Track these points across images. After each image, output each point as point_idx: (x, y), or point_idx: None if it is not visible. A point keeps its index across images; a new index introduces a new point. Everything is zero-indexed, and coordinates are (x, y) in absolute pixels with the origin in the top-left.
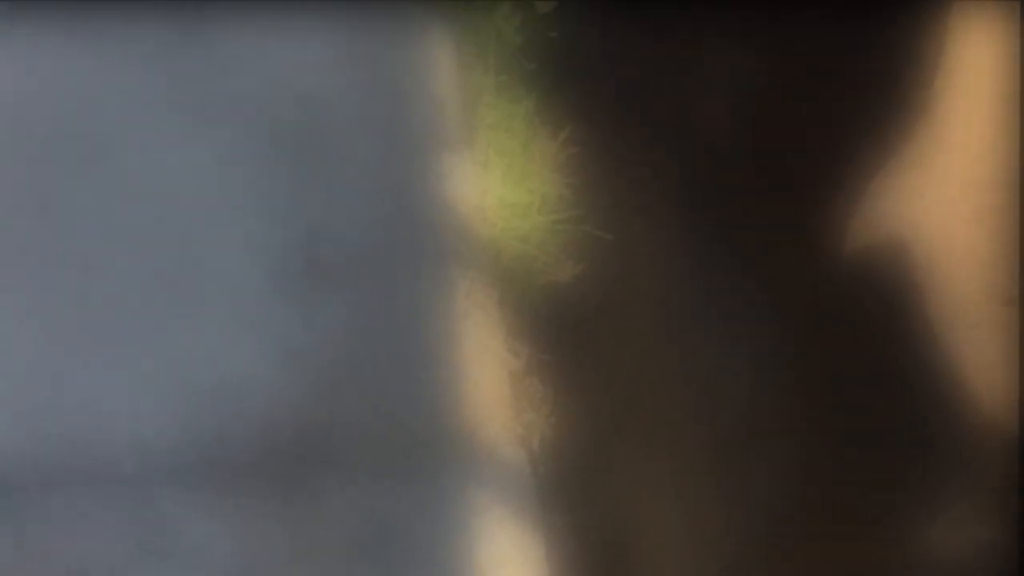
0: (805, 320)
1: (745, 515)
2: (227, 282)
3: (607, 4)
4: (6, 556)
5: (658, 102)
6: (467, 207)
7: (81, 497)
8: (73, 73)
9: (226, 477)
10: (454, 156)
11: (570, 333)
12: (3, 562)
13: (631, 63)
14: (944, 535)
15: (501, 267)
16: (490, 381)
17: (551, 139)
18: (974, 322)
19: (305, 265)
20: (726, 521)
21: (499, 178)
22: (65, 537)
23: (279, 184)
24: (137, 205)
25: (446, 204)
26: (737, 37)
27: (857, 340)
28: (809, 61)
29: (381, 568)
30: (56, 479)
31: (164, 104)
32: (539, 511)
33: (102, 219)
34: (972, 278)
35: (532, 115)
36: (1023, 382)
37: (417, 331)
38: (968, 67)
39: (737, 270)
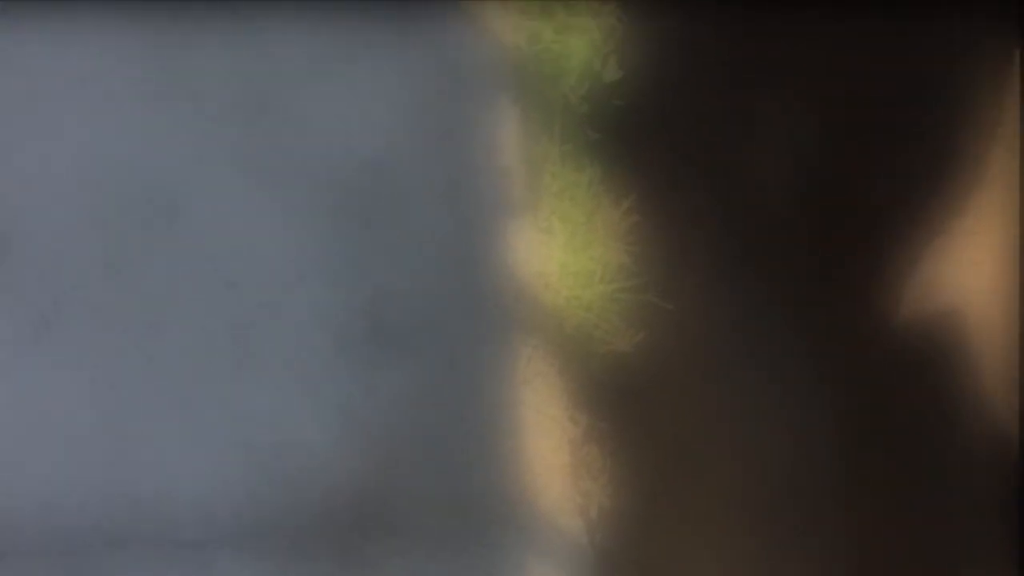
0: (855, 387)
1: None
2: (291, 346)
3: (671, 74)
4: None
5: (718, 170)
6: (530, 274)
7: (144, 558)
8: (145, 135)
9: (286, 542)
10: (518, 223)
11: (629, 402)
12: None
13: (693, 131)
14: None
15: (563, 335)
16: (549, 449)
17: (614, 207)
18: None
19: (368, 331)
20: None
21: (562, 246)
22: None
23: (345, 249)
24: (204, 267)
25: (509, 272)
26: (793, 100)
27: (906, 408)
28: (867, 118)
29: None
30: (120, 539)
31: (233, 167)
32: None
33: (169, 281)
34: (1018, 347)
35: (595, 183)
36: None
37: (478, 398)
38: None
39: (791, 337)
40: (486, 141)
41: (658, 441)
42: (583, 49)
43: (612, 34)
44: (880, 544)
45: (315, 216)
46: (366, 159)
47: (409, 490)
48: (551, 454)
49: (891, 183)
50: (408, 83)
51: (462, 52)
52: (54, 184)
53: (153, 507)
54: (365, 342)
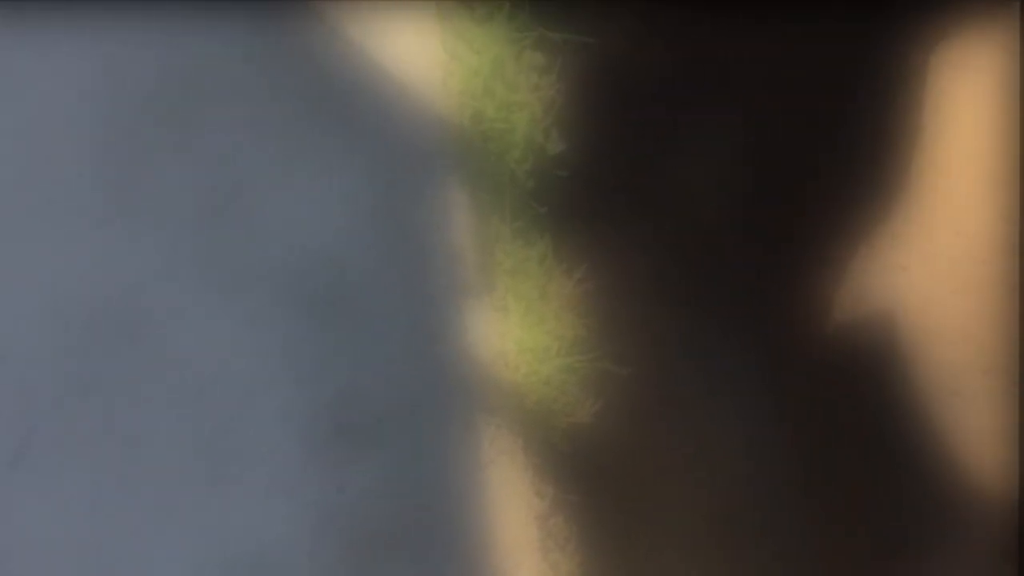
0: (797, 396)
1: None
2: (261, 449)
3: (614, 141)
4: None
5: (664, 228)
6: (489, 354)
7: None
8: (107, 253)
9: None
10: (474, 305)
11: (592, 471)
12: None
13: (637, 193)
14: None
15: (524, 412)
16: (518, 525)
17: (566, 278)
18: (956, 390)
19: (335, 428)
20: None
21: (518, 323)
22: None
23: (308, 348)
24: (172, 379)
25: (469, 354)
26: (729, 151)
27: (846, 412)
28: (798, 136)
29: None
30: None
31: (194, 276)
32: None
33: (139, 396)
34: (955, 349)
35: (547, 257)
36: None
37: (445, 485)
38: (952, 144)
39: (739, 362)
40: (438, 225)
41: (622, 505)
42: (525, 124)
43: (552, 107)
44: (830, 545)
45: (277, 318)
46: (324, 256)
47: None
48: (520, 530)
49: (820, 188)
50: (358, 175)
51: (408, 137)
52: (21, 309)
53: None
54: (332, 440)
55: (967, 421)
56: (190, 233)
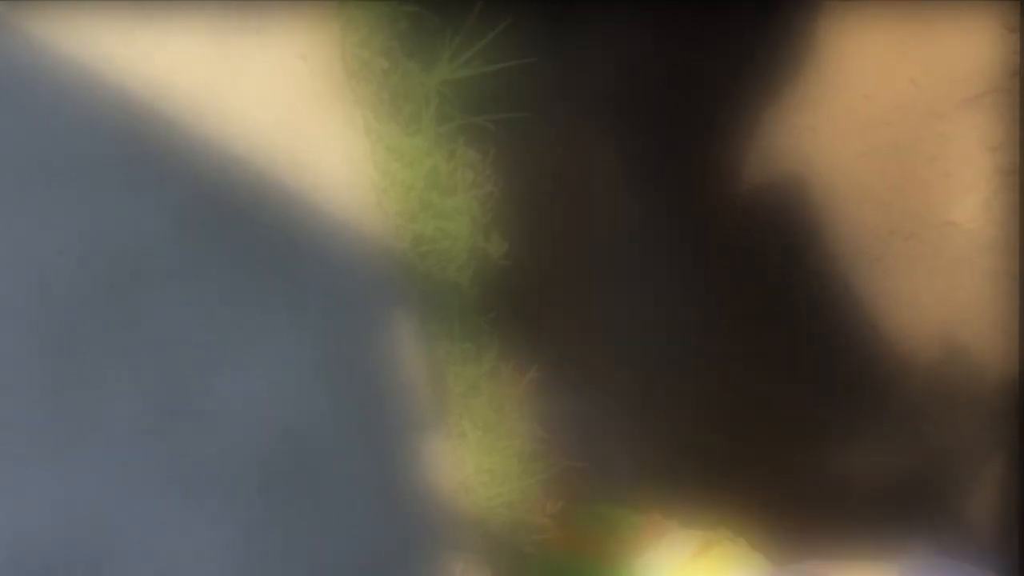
0: (714, 261)
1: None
2: None
3: (553, 239)
4: None
5: (612, 311)
6: (450, 486)
7: None
8: (59, 482)
9: None
10: (432, 439)
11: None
12: None
13: (581, 286)
14: (860, 460)
15: (490, 539)
16: None
17: (519, 381)
18: (877, 256)
19: None
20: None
21: (475, 447)
22: None
23: (272, 536)
24: None
25: (431, 494)
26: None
27: (763, 277)
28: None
29: None
30: None
31: (161, 483)
32: None
33: None
34: (873, 214)
35: (497, 367)
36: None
37: None
38: (861, 7)
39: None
40: (389, 365)
41: None
42: (466, 230)
43: (490, 203)
44: (751, 409)
45: (240, 510)
46: (281, 431)
47: None
48: None
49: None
50: (304, 332)
51: (350, 278)
52: None
53: None
54: None
55: (883, 285)
56: (145, 444)
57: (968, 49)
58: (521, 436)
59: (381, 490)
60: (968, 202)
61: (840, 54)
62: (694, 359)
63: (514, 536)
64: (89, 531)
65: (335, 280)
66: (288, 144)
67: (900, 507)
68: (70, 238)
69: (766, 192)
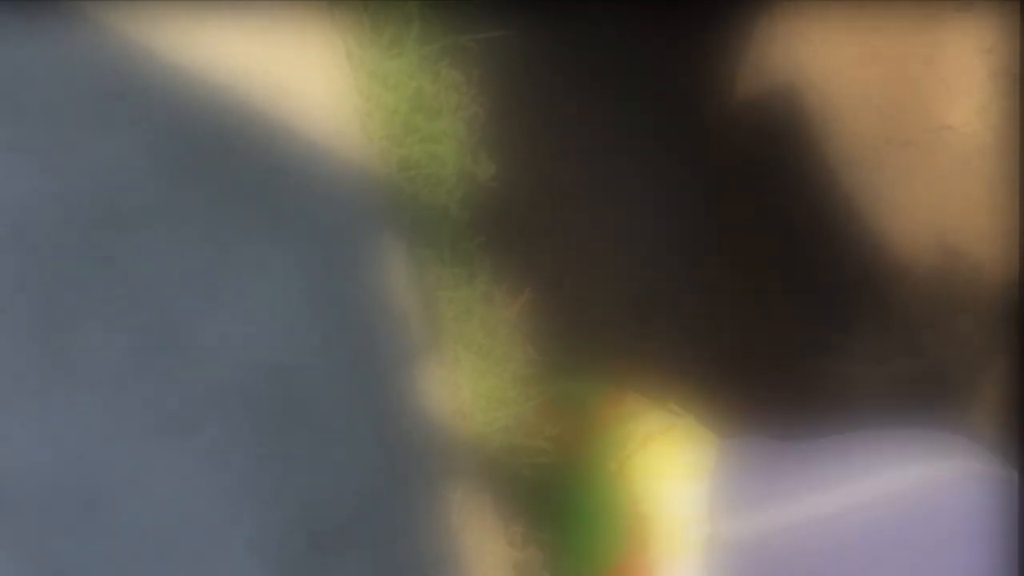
0: (709, 173)
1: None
2: None
3: (541, 147)
4: None
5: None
6: (446, 413)
7: None
8: (47, 425)
9: None
10: (426, 366)
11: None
12: None
13: (570, 203)
14: (860, 370)
15: (487, 464)
16: None
17: (511, 307)
18: (874, 165)
19: (307, 542)
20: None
21: (470, 371)
22: None
23: (266, 472)
24: (136, 534)
25: (427, 421)
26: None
27: (759, 187)
28: None
29: None
30: None
31: (145, 431)
32: None
33: (106, 556)
34: (868, 122)
35: (490, 291)
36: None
37: (423, 566)
38: None
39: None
40: (379, 295)
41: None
42: (453, 153)
43: (476, 125)
44: (748, 321)
45: (233, 449)
46: (270, 368)
47: None
48: None
49: None
50: (290, 265)
51: (336, 205)
52: None
53: None
54: (307, 555)
55: (876, 193)
56: (131, 384)
57: None
58: (517, 359)
59: (376, 420)
60: (965, 106)
61: None
62: (690, 271)
63: (512, 460)
64: (81, 473)
65: (320, 209)
66: (268, 72)
67: (899, 413)
68: (45, 178)
69: (760, 103)
